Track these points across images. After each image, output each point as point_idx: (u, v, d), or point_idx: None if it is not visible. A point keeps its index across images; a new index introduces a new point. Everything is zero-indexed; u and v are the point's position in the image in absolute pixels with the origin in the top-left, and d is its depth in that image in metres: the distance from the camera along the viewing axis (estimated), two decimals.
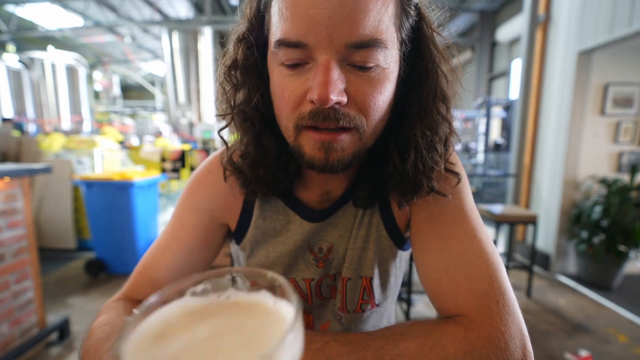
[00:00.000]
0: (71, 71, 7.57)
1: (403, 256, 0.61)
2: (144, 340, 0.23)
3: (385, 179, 0.52)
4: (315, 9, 0.38)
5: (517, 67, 7.15)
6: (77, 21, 9.67)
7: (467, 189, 0.54)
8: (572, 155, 3.24)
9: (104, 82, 12.65)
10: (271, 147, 0.52)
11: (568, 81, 3.19)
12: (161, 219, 3.62)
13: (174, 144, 6.48)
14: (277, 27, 0.42)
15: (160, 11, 9.39)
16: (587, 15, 2.99)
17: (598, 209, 3.03)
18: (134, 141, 7.94)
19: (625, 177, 3.19)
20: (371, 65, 0.41)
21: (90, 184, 2.97)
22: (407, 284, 2.48)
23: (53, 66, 7.31)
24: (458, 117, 0.51)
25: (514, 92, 7.49)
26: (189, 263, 0.57)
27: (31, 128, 6.46)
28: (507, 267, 3.22)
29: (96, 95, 13.28)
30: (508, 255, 3.47)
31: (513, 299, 0.45)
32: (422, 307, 2.67)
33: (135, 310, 0.24)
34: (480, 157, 6.50)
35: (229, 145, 0.57)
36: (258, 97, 0.49)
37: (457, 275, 0.47)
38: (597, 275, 3.10)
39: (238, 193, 0.57)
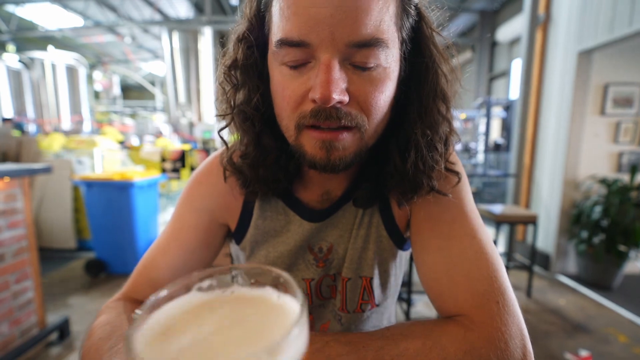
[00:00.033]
0: (71, 71, 7.57)
1: (403, 256, 0.61)
2: (152, 334, 0.24)
3: (385, 179, 0.52)
4: (317, 8, 0.38)
5: (517, 67, 7.15)
6: (77, 21, 9.67)
7: (467, 189, 0.54)
8: (572, 155, 3.24)
9: (104, 82, 12.65)
10: (271, 147, 0.51)
11: (568, 81, 3.19)
12: (161, 219, 3.62)
13: (174, 144, 6.48)
14: (278, 27, 0.42)
15: (160, 11, 9.39)
16: (587, 15, 2.99)
17: (598, 209, 3.03)
18: (134, 141, 7.94)
19: (625, 177, 3.19)
20: (373, 64, 0.41)
21: (90, 184, 2.97)
22: (407, 284, 2.48)
23: (53, 66, 7.30)
24: (458, 116, 0.52)
25: (514, 92, 7.49)
26: (189, 263, 0.57)
27: (31, 128, 6.45)
28: (507, 267, 3.22)
29: (96, 95, 13.28)
30: (508, 255, 3.47)
31: (513, 299, 0.45)
32: (422, 307, 2.67)
33: (143, 305, 0.24)
34: (480, 157, 6.50)
35: (229, 145, 0.57)
36: (258, 97, 0.49)
37: (457, 275, 0.47)
38: (597, 275, 3.10)
39: (238, 193, 0.57)
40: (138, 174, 3.13)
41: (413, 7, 0.45)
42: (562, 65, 3.28)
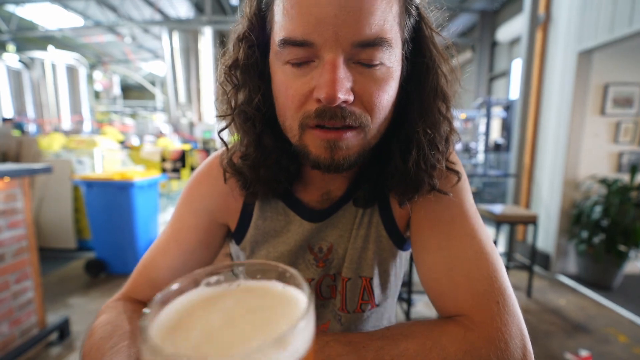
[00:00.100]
0: (71, 71, 7.57)
1: (403, 256, 0.61)
2: (165, 327, 0.25)
3: (386, 178, 0.52)
4: (322, 7, 0.38)
5: (517, 67, 7.15)
6: (78, 21, 9.67)
7: (467, 189, 0.54)
8: (572, 155, 3.24)
9: (104, 82, 12.65)
10: (272, 148, 0.51)
11: (568, 81, 3.19)
12: (161, 219, 3.62)
13: (175, 144, 6.48)
14: (281, 26, 0.42)
15: (160, 11, 9.39)
16: (587, 15, 2.99)
17: (598, 209, 3.03)
18: (134, 141, 7.94)
19: (625, 177, 3.19)
20: (377, 64, 0.41)
21: (90, 184, 2.97)
22: (407, 284, 2.48)
23: (53, 66, 7.31)
24: (458, 116, 0.52)
25: (514, 92, 7.49)
26: (188, 263, 0.57)
27: (31, 128, 6.45)
28: (508, 267, 3.22)
29: (96, 95, 13.28)
30: (508, 255, 3.47)
31: (513, 299, 0.45)
32: (422, 307, 2.67)
33: (153, 300, 0.25)
34: (481, 157, 6.50)
35: (229, 146, 0.57)
36: (259, 97, 0.48)
37: (457, 275, 0.47)
38: (597, 275, 3.10)
39: (238, 194, 0.57)
40: (138, 174, 3.13)
41: (414, 8, 0.46)
42: (562, 65, 3.27)
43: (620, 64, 3.14)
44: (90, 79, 11.28)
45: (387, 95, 0.44)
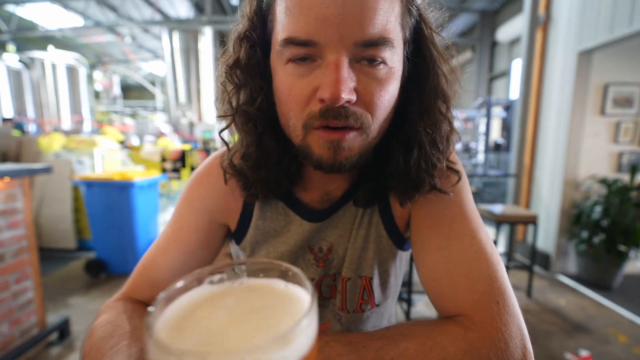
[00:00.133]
0: (71, 71, 7.57)
1: (403, 256, 0.61)
2: (170, 324, 0.25)
3: (385, 178, 0.52)
4: (325, 7, 0.38)
5: (517, 67, 7.15)
6: (78, 21, 9.67)
7: (467, 189, 0.54)
8: (572, 155, 3.24)
9: (104, 82, 12.65)
10: (272, 149, 0.51)
11: (568, 81, 3.19)
12: (161, 219, 3.62)
13: (175, 144, 6.48)
14: (283, 26, 0.41)
15: (160, 11, 9.39)
16: (587, 15, 2.99)
17: (598, 209, 3.03)
18: (134, 141, 7.94)
19: (625, 177, 3.19)
20: (379, 63, 0.41)
21: (90, 184, 2.97)
22: (407, 284, 2.48)
23: (53, 66, 7.30)
24: (458, 116, 0.52)
25: (514, 92, 7.49)
26: (188, 263, 0.57)
27: (31, 128, 6.45)
28: (508, 267, 3.22)
29: (96, 95, 13.28)
30: (508, 255, 3.47)
31: (513, 299, 0.45)
32: (422, 307, 2.67)
33: (157, 298, 0.25)
34: (481, 157, 6.50)
35: (229, 146, 0.57)
36: (262, 97, 0.48)
37: (457, 275, 0.47)
38: (597, 275, 3.10)
39: (238, 194, 0.57)
40: (138, 174, 3.13)
41: (415, 8, 0.46)
42: (562, 65, 3.27)
43: (620, 64, 3.14)
44: (90, 79, 11.28)
45: (388, 95, 0.44)
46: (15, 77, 6.91)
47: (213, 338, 0.24)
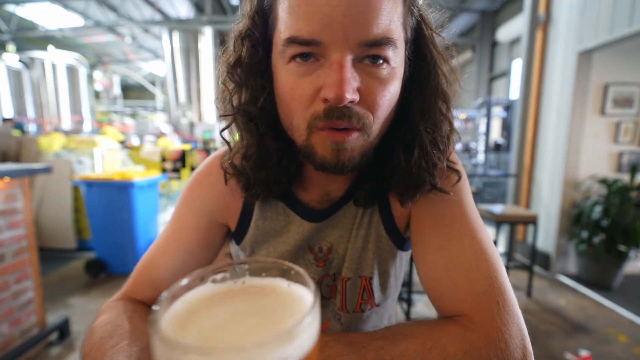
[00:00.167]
0: (71, 71, 7.56)
1: (403, 256, 0.61)
2: (174, 321, 0.25)
3: (385, 178, 0.52)
4: (330, 6, 0.38)
5: (517, 67, 7.15)
6: (78, 21, 9.67)
7: (467, 190, 0.55)
8: (572, 155, 3.24)
9: (104, 82, 12.65)
10: (273, 149, 0.51)
11: (568, 81, 3.19)
12: (161, 219, 3.62)
13: (175, 144, 6.48)
14: (286, 25, 0.41)
15: (160, 11, 9.39)
16: (587, 15, 2.99)
17: (598, 209, 3.03)
18: (135, 141, 7.94)
19: (625, 177, 3.19)
20: (382, 63, 0.41)
21: (90, 184, 2.97)
22: (407, 284, 2.48)
23: (53, 66, 7.30)
24: (458, 116, 0.52)
25: (514, 92, 7.49)
26: (188, 263, 0.57)
27: (31, 128, 6.45)
28: (508, 267, 3.22)
29: (96, 95, 13.27)
30: (508, 255, 3.47)
31: (513, 299, 0.45)
32: (423, 307, 2.67)
33: (161, 296, 0.26)
34: (481, 157, 6.50)
35: (229, 147, 0.56)
36: (265, 96, 0.48)
37: (457, 275, 0.47)
38: (597, 275, 3.10)
39: (238, 194, 0.57)
40: (138, 174, 3.13)
41: (416, 8, 0.46)
42: (562, 65, 3.27)
43: (620, 64, 3.14)
44: (90, 79, 11.28)
45: (390, 95, 0.44)
46: (15, 77, 6.91)
47: (217, 335, 0.24)
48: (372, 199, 0.56)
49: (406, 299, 2.51)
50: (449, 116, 0.50)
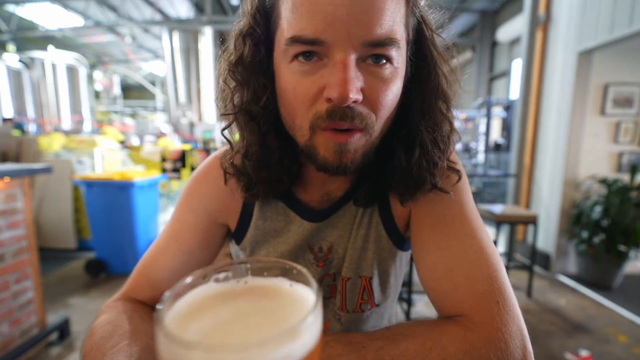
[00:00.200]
0: (71, 71, 7.57)
1: (403, 257, 0.61)
2: (178, 318, 0.26)
3: (385, 178, 0.53)
4: (335, 6, 0.38)
5: (517, 67, 7.15)
6: (78, 21, 9.67)
7: (467, 190, 0.55)
8: (572, 155, 3.24)
9: (104, 82, 12.65)
10: (275, 148, 0.51)
11: (568, 81, 3.19)
12: (161, 219, 3.62)
13: (175, 144, 6.48)
14: (289, 24, 0.41)
15: (160, 11, 9.40)
16: (587, 15, 2.99)
17: (598, 209, 3.03)
18: (135, 141, 7.94)
19: (625, 177, 3.19)
20: (385, 63, 0.42)
21: (90, 183, 2.97)
22: (407, 284, 2.48)
23: (53, 66, 7.30)
24: (458, 116, 0.52)
25: (514, 92, 7.49)
26: (188, 263, 0.57)
27: (31, 128, 6.45)
28: (508, 267, 3.22)
29: (96, 95, 13.28)
30: (508, 255, 3.47)
31: (513, 299, 0.45)
32: (423, 307, 2.67)
33: (164, 296, 0.26)
34: (481, 157, 6.50)
35: (231, 146, 0.56)
36: (267, 95, 0.48)
37: (457, 275, 0.47)
38: (597, 275, 3.10)
39: (238, 194, 0.57)
40: (138, 174, 3.13)
41: (418, 9, 0.46)
42: (562, 65, 3.28)
43: (620, 64, 3.14)
44: (90, 79, 11.28)
45: (392, 95, 0.44)
46: (15, 77, 6.91)
47: (220, 333, 0.25)
48: (372, 199, 0.56)
49: (406, 299, 2.51)
50: (449, 116, 0.50)
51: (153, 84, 16.33)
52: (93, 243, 3.18)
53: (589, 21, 2.96)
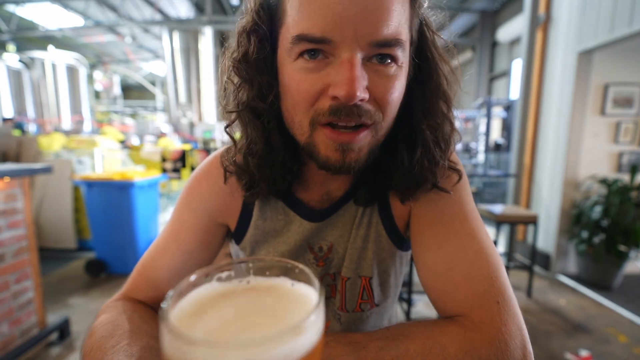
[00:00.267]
0: (72, 71, 7.57)
1: (403, 257, 0.61)
2: (181, 318, 0.26)
3: (385, 177, 0.53)
4: (343, 5, 0.38)
5: (517, 67, 7.15)
6: (78, 21, 9.68)
7: (467, 190, 0.55)
8: (572, 155, 3.24)
9: (104, 82, 12.65)
10: (279, 146, 0.51)
11: (568, 81, 3.19)
12: (161, 219, 3.62)
13: (175, 144, 6.48)
14: (295, 22, 0.41)
15: (160, 11, 9.40)
16: (587, 16, 2.99)
17: (598, 209, 3.03)
18: (135, 141, 7.94)
19: (625, 177, 3.19)
20: (390, 63, 0.42)
21: (90, 183, 2.97)
22: (407, 284, 2.48)
23: (53, 66, 7.31)
24: (459, 116, 0.53)
25: (515, 92, 7.49)
26: (188, 263, 0.57)
27: (31, 128, 6.45)
28: (508, 267, 3.22)
29: (97, 95, 13.29)
30: (508, 255, 3.47)
31: (513, 299, 0.45)
32: (423, 307, 2.67)
33: (167, 295, 0.26)
34: (481, 157, 6.50)
35: (232, 145, 0.56)
36: (273, 92, 0.47)
37: (457, 275, 0.47)
38: (597, 275, 3.10)
39: (238, 194, 0.57)
40: (138, 174, 3.13)
41: (421, 11, 0.46)
42: (563, 65, 3.27)
43: (620, 64, 3.14)
44: (90, 78, 11.29)
45: (397, 93, 0.44)
46: (15, 77, 6.92)
47: (223, 331, 0.25)
48: (372, 198, 0.56)
49: (406, 299, 2.51)
50: (450, 116, 0.51)
51: (153, 84, 16.33)
52: (93, 243, 3.18)
53: (589, 21, 2.96)
